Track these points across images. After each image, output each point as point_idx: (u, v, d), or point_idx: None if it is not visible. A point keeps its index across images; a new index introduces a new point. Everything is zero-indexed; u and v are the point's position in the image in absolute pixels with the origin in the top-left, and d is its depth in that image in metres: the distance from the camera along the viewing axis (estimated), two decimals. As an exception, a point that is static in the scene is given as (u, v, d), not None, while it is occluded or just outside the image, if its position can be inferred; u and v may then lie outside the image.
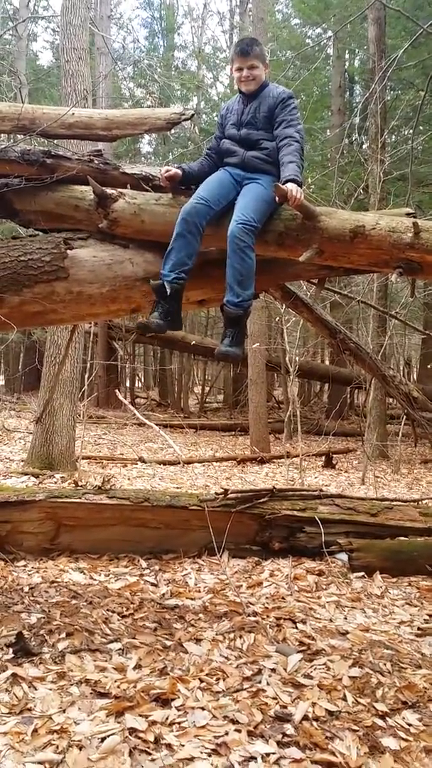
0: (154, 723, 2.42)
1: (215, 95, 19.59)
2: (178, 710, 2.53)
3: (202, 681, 2.77)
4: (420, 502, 5.68)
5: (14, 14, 16.80)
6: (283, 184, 3.01)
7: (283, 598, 3.91)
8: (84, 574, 4.14)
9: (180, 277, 3.10)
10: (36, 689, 2.64)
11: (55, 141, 3.77)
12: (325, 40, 14.41)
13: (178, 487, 7.22)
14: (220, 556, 4.50)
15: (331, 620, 3.59)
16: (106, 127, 3.51)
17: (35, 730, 2.35)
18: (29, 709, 2.49)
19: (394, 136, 13.03)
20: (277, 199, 3.02)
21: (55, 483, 6.77)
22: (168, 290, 3.08)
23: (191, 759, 2.23)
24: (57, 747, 2.26)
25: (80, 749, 2.25)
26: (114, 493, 4.62)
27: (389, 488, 8.29)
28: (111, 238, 3.30)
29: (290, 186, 2.95)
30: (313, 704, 2.62)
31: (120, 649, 3.05)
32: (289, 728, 2.45)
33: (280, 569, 4.43)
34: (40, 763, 2.18)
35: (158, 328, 3.11)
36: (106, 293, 3.25)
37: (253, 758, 2.26)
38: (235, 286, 3.07)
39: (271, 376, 16.82)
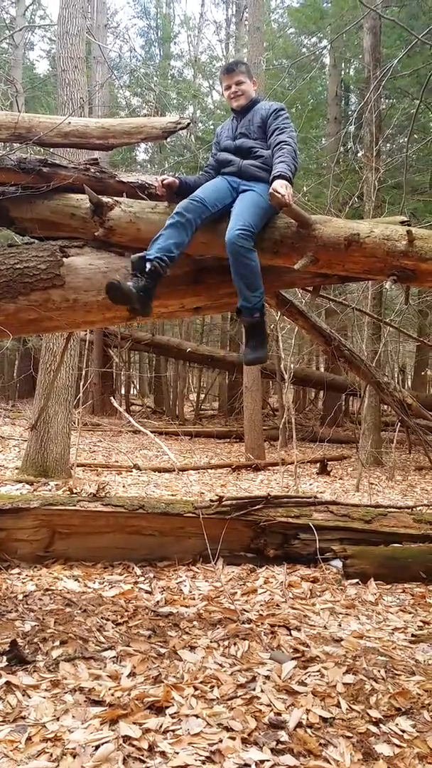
0: (148, 731, 2.42)
1: (211, 104, 19.68)
2: (172, 718, 2.53)
3: (196, 688, 2.77)
4: (414, 509, 5.69)
5: (11, 23, 16.86)
6: (272, 180, 3.04)
7: (277, 605, 3.91)
8: (78, 581, 4.14)
9: (162, 258, 2.99)
10: (30, 697, 2.63)
11: (51, 150, 3.78)
12: (320, 49, 14.51)
13: (172, 495, 7.22)
14: (215, 564, 4.50)
15: (325, 627, 3.60)
16: (102, 136, 3.53)
17: (29, 738, 2.35)
18: (23, 717, 2.49)
19: (389, 145, 13.12)
20: (274, 206, 3.03)
21: (50, 490, 6.76)
22: (147, 266, 2.98)
23: (185, 766, 2.23)
24: (51, 755, 2.26)
25: (74, 757, 2.25)
26: (109, 501, 4.61)
27: (384, 495, 8.30)
28: (107, 246, 3.32)
29: (277, 184, 2.96)
30: (307, 711, 2.62)
31: (114, 656, 3.04)
32: (283, 735, 2.45)
33: (274, 576, 4.43)
34: (34, 771, 2.18)
35: (129, 292, 2.94)
36: (101, 301, 3.26)
37: (247, 765, 2.26)
38: (244, 290, 3.09)
39: (266, 383, 16.84)
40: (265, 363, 3.20)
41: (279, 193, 2.90)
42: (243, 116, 3.48)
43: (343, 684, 2.87)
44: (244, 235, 3.02)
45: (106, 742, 2.32)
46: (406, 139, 9.42)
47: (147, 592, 4.05)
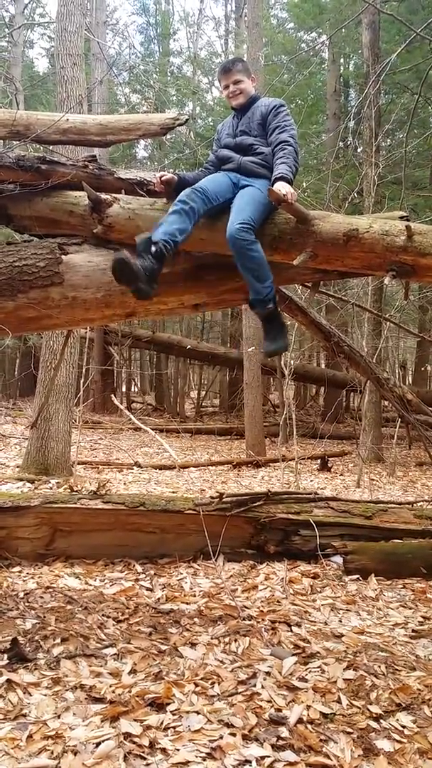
0: (149, 728, 2.42)
1: (210, 100, 19.63)
2: (173, 714, 2.53)
3: (197, 685, 2.77)
4: (414, 505, 5.69)
5: (10, 21, 16.82)
6: (273, 182, 3.03)
7: (278, 601, 3.91)
8: (79, 579, 4.14)
9: (167, 241, 2.93)
10: (31, 695, 2.64)
11: (50, 147, 3.78)
12: (319, 45, 14.48)
13: (173, 492, 7.22)
14: (216, 560, 4.50)
15: (325, 623, 3.60)
16: (100, 132, 3.53)
17: (30, 736, 2.35)
18: (24, 715, 2.49)
19: (388, 140, 13.09)
20: (272, 202, 3.03)
21: (51, 488, 6.76)
22: (153, 248, 2.91)
23: (186, 763, 2.23)
24: (52, 752, 2.26)
25: (75, 754, 2.25)
26: (109, 498, 4.62)
27: (384, 491, 8.30)
28: (106, 243, 3.31)
29: (279, 185, 2.97)
30: (308, 707, 2.62)
31: (115, 654, 3.04)
32: (283, 731, 2.45)
33: (275, 572, 4.44)
34: (35, 768, 2.18)
35: (137, 270, 2.85)
36: (100, 298, 3.26)
37: (247, 762, 2.26)
38: (253, 283, 3.09)
39: (267, 379, 16.83)
40: (287, 350, 3.18)
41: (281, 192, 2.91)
42: (243, 114, 3.48)
43: (344, 680, 2.87)
44: (245, 228, 3.01)
45: (107, 740, 2.32)
46: (405, 135, 9.39)
47: (148, 589, 4.05)
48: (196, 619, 3.55)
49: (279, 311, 3.24)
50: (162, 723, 2.46)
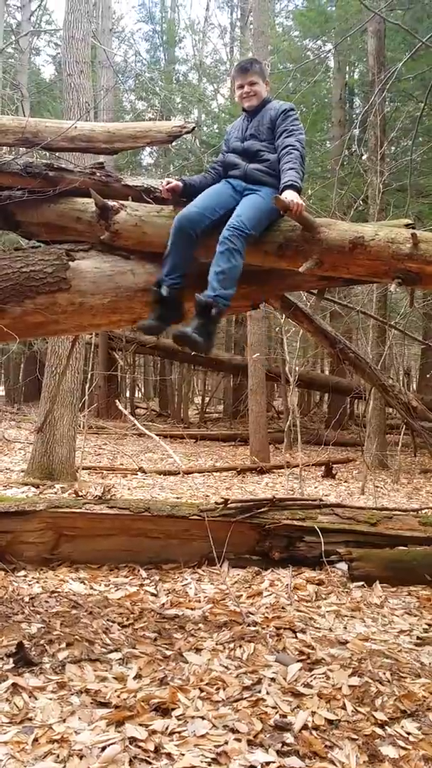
0: (154, 732, 2.43)
1: (216, 108, 19.70)
2: (178, 720, 2.53)
3: (202, 690, 2.77)
4: (419, 512, 5.68)
5: (17, 28, 16.95)
6: (282, 190, 3.05)
7: (282, 607, 3.91)
8: (84, 584, 4.15)
9: (175, 281, 3.15)
10: (36, 699, 2.64)
11: (57, 154, 3.81)
12: (325, 53, 14.54)
13: (178, 498, 7.22)
14: (220, 566, 4.51)
15: (330, 630, 3.60)
16: (107, 140, 3.55)
17: (36, 740, 2.36)
18: (30, 719, 2.50)
19: (393, 148, 13.10)
20: (279, 210, 3.04)
21: (56, 493, 6.78)
22: (164, 293, 3.14)
23: (191, 768, 2.24)
24: (57, 756, 2.27)
25: (81, 758, 2.26)
26: (114, 503, 4.62)
27: (389, 498, 8.29)
28: (112, 250, 3.33)
29: (289, 196, 2.98)
30: (313, 713, 2.63)
31: (120, 659, 3.05)
32: (288, 737, 2.45)
33: (280, 579, 4.44)
34: (41, 772, 2.19)
35: (149, 329, 3.27)
36: (107, 304, 3.28)
37: (252, 767, 2.27)
38: (214, 283, 3.03)
39: (271, 386, 16.83)
40: (199, 350, 3.04)
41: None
42: (253, 117, 3.48)
43: (349, 686, 2.87)
44: (238, 233, 3.03)
45: (112, 744, 2.33)
46: (410, 142, 9.43)
47: (152, 594, 4.05)
48: (200, 625, 3.55)
49: (218, 320, 3.12)
50: (167, 728, 2.46)
